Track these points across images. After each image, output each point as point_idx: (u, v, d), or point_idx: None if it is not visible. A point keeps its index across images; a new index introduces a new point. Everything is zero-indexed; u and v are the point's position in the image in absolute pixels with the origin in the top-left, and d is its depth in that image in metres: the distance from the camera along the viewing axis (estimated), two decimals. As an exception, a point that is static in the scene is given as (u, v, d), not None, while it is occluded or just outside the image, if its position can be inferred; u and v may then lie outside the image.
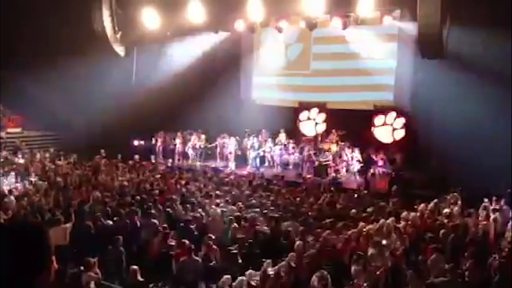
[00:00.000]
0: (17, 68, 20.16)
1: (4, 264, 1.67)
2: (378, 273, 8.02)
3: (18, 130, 22.55)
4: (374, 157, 17.71)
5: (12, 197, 12.54)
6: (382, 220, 10.82)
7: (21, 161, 18.42)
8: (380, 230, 10.39)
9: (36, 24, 20.68)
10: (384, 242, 9.66)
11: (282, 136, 20.57)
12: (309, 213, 12.41)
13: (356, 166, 18.60)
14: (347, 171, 18.91)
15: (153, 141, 21.71)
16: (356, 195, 14.95)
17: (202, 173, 18.13)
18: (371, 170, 17.54)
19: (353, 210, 12.47)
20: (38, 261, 1.73)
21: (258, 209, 12.66)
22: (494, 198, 12.44)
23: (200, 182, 16.32)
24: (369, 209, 12.84)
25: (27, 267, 1.70)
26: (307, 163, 19.15)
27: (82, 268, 8.06)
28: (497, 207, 12.03)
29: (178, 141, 21.56)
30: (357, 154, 18.59)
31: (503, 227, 11.02)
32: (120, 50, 21.01)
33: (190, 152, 21.41)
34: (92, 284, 7.81)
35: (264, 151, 20.32)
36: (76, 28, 20.09)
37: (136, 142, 22.33)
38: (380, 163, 17.53)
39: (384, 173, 17.38)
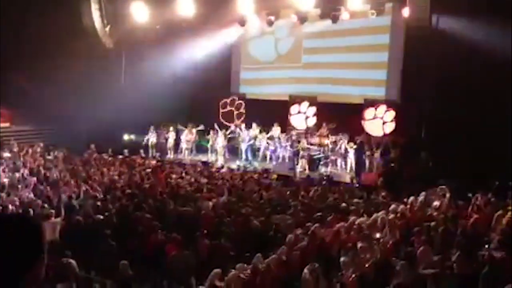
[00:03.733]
0: (5, 62, 19.94)
1: None
2: (367, 265, 8.06)
3: (7, 124, 22.36)
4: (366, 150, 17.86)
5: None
6: (375, 214, 10.89)
7: (9, 155, 18.29)
8: (373, 223, 10.44)
9: (25, 18, 20.47)
10: (377, 235, 9.72)
11: (276, 130, 20.57)
12: (299, 207, 12.43)
13: (346, 159, 18.66)
14: (338, 164, 18.96)
15: (146, 136, 21.63)
16: (346, 189, 15.00)
17: (193, 167, 18.13)
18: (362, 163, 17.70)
19: (343, 204, 12.52)
20: (31, 256, 1.73)
21: (249, 203, 12.68)
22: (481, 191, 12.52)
23: (191, 176, 16.30)
24: (358, 201, 12.94)
25: (19, 262, 1.69)
26: (299, 156, 19.18)
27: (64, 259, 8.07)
28: (486, 199, 12.10)
29: (170, 135, 21.53)
30: (348, 148, 18.65)
31: (491, 219, 11.10)
32: (109, 44, 20.87)
33: (182, 146, 21.40)
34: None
35: (255, 145, 20.33)
36: (66, 22, 19.91)
37: (126, 137, 22.26)
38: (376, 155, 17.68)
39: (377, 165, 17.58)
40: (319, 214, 11.49)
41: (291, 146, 19.79)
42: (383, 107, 18.72)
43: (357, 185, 15.61)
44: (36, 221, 1.86)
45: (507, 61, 14.12)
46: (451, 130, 15.42)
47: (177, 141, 21.52)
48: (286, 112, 20.81)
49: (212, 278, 7.80)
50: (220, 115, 21.97)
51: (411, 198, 12.41)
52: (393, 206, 11.79)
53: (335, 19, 18.79)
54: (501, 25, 14.14)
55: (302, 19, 19.50)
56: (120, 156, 19.35)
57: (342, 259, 8.36)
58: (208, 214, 11.75)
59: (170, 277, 9.05)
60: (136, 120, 21.11)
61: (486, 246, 8.64)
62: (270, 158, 20.07)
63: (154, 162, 19.38)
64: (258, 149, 20.45)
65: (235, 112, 21.95)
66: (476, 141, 14.78)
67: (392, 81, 19.30)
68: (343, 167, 18.80)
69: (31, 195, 12.71)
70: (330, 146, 19.11)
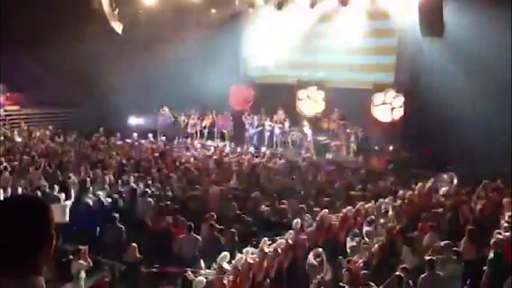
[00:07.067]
0: (15, 45, 20.00)
1: (4, 239, 1.67)
2: (373, 250, 8.11)
3: (16, 107, 22.48)
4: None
5: (7, 174, 12.55)
6: (383, 200, 10.91)
7: (19, 139, 18.44)
8: (377, 209, 10.48)
9: (35, 3, 20.45)
10: (381, 220, 9.76)
11: (280, 115, 20.48)
12: (306, 192, 12.47)
13: (355, 145, 18.58)
14: (346, 149, 18.88)
15: (154, 120, 21.64)
16: (354, 174, 14.99)
17: (202, 152, 18.19)
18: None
19: (351, 190, 12.53)
20: (40, 237, 1.74)
21: (256, 188, 12.73)
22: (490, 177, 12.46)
23: (199, 160, 16.36)
24: (366, 187, 12.96)
25: (27, 242, 1.71)
26: (306, 141, 19.15)
27: (71, 256, 8.07)
28: (495, 185, 12.05)
29: (181, 119, 21.52)
30: (356, 133, 18.55)
31: (499, 206, 11.07)
32: (118, 28, 20.81)
33: (189, 130, 21.41)
34: (83, 273, 7.83)
35: (263, 130, 20.26)
36: (75, 6, 19.88)
37: (134, 121, 22.30)
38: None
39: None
40: (327, 199, 11.54)
41: (300, 130, 19.71)
42: (392, 93, 18.61)
43: (364, 170, 15.55)
44: (45, 202, 1.87)
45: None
46: (459, 115, 15.30)
47: (186, 126, 21.52)
48: (294, 97, 20.72)
49: (220, 261, 7.89)
50: (229, 99, 21.87)
51: (419, 184, 12.40)
52: (401, 192, 11.79)
53: (344, 3, 18.57)
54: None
55: (312, 2, 19.28)
56: (129, 140, 19.42)
57: (349, 244, 8.41)
58: (215, 198, 11.82)
59: (178, 260, 9.14)
60: (145, 104, 21.14)
61: (494, 232, 8.62)
62: (277, 143, 19.99)
63: (162, 146, 19.41)
64: (266, 134, 20.36)
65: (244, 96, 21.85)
66: (486, 126, 14.68)
67: (402, 67, 19.12)
68: (351, 152, 18.69)
69: (41, 178, 12.81)
70: (339, 131, 19.01)
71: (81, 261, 7.99)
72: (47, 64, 20.24)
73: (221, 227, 9.91)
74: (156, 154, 17.04)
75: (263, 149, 19.43)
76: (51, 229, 1.78)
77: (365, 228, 9.13)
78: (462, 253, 7.99)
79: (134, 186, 12.17)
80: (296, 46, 21.41)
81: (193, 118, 21.36)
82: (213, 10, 20.73)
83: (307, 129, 19.12)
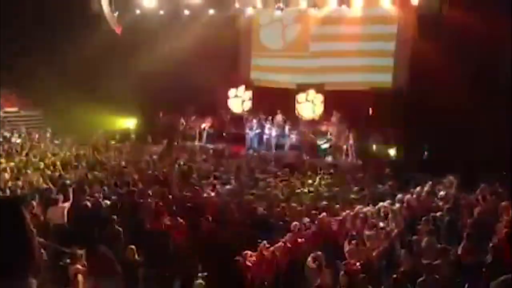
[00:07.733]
0: (14, 47, 20.01)
1: None
2: (371, 253, 8.10)
3: (15, 109, 22.47)
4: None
5: (6, 175, 12.55)
6: (381, 203, 10.90)
7: (18, 141, 18.43)
8: (379, 213, 10.46)
9: (35, 5, 20.47)
10: (381, 224, 9.73)
11: (279, 118, 20.50)
12: (306, 195, 12.46)
13: (353, 148, 18.58)
14: (345, 153, 18.87)
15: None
16: (353, 177, 14.98)
17: (200, 154, 18.18)
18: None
19: (350, 193, 12.52)
20: (17, 238, 1.72)
21: (255, 190, 12.72)
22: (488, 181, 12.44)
23: (198, 163, 16.35)
24: (364, 190, 12.95)
25: (7, 244, 1.69)
26: (305, 144, 19.14)
27: (68, 260, 8.02)
28: (492, 189, 12.04)
29: (180, 121, 21.53)
30: (355, 136, 18.56)
31: (498, 210, 11.06)
32: (117, 30, 20.83)
33: (188, 132, 21.40)
34: (80, 277, 7.79)
35: (261, 133, 20.25)
36: (75, 8, 19.91)
37: (132, 123, 22.29)
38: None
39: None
40: (325, 203, 11.53)
41: (299, 134, 19.73)
42: (390, 95, 18.62)
43: (362, 174, 15.55)
44: (17, 203, 1.83)
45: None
46: (458, 119, 15.32)
47: (186, 127, 21.53)
48: (293, 100, 20.71)
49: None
50: (228, 102, 21.87)
51: (418, 188, 12.38)
52: (399, 195, 11.78)
53: (341, 3, 18.59)
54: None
55: (311, 3, 19.28)
56: (128, 142, 19.41)
57: (347, 247, 8.39)
58: (213, 200, 11.81)
59: (176, 262, 9.12)
60: (143, 106, 21.14)
61: (493, 236, 8.61)
62: (276, 146, 19.99)
63: (162, 147, 19.39)
64: (264, 137, 20.35)
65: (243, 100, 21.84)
66: (484, 130, 14.68)
67: (400, 69, 19.15)
68: (350, 156, 18.69)
69: (40, 180, 12.80)
70: (338, 134, 19.01)
71: (78, 266, 7.96)
72: (46, 65, 20.25)
73: (219, 229, 9.90)
74: (155, 156, 17.04)
75: (262, 151, 19.42)
76: (26, 229, 1.75)
77: (366, 232, 9.11)
78: (460, 257, 7.98)
79: (132, 187, 12.15)
80: (295, 49, 21.45)
81: (192, 120, 21.37)
82: (212, 11, 20.72)
83: (307, 133, 19.15)
